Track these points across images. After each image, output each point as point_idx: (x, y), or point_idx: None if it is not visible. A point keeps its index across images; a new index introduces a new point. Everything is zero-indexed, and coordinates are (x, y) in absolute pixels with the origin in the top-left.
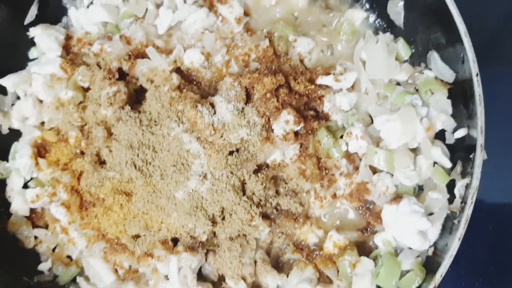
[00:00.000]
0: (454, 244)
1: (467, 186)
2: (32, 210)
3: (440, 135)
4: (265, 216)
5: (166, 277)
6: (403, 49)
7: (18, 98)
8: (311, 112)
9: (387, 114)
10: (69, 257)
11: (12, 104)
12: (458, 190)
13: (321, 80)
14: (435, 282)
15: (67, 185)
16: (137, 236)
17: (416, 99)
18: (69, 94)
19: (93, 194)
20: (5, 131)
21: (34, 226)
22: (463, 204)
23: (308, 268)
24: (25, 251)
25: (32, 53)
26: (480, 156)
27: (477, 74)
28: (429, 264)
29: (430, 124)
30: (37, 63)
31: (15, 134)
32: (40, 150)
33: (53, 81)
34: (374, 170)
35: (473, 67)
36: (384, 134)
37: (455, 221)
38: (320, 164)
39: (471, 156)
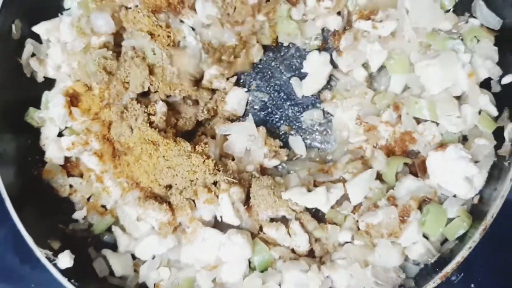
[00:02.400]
0: (505, 186)
1: None
2: (67, 160)
3: (484, 85)
4: None
5: (204, 223)
6: None
7: None
8: None
9: (427, 59)
10: (104, 206)
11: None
12: (508, 134)
13: (359, 24)
14: (486, 224)
15: (98, 134)
16: (170, 186)
17: (458, 45)
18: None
19: (123, 144)
20: (40, 79)
21: (69, 175)
22: None
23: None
24: (60, 200)
25: (67, 2)
26: None
27: None
28: (475, 213)
29: (472, 70)
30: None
31: (47, 84)
32: (73, 100)
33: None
34: (419, 121)
35: None
36: (424, 79)
37: (506, 163)
38: None
39: None
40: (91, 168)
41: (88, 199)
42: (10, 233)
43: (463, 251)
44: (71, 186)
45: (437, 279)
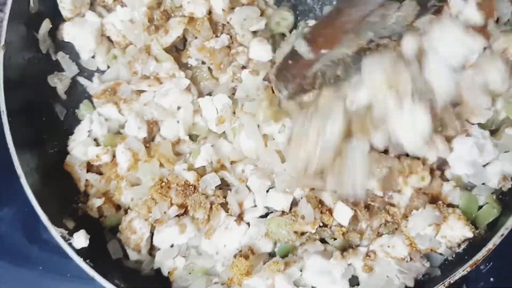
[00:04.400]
0: None
1: None
2: None
3: None
4: None
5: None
6: None
7: None
8: None
9: None
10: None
11: None
12: None
13: None
14: None
15: None
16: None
17: None
18: None
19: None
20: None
21: (88, 170)
22: None
23: None
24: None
25: None
26: None
27: None
28: (505, 200)
29: None
30: None
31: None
32: None
33: None
34: None
35: None
36: None
37: None
38: None
39: None
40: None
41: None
42: (19, 213)
43: (494, 238)
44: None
45: (467, 267)
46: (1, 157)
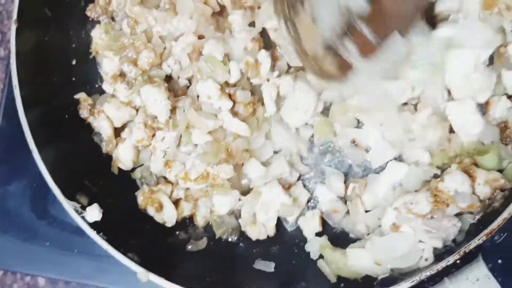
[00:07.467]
0: None
1: None
2: None
3: None
4: None
5: None
6: None
7: None
8: None
9: None
10: None
11: None
12: None
13: None
14: None
15: None
16: None
17: None
18: None
19: None
20: None
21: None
22: None
23: None
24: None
25: None
26: None
27: None
28: None
29: None
30: None
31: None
32: None
33: None
34: None
35: None
36: None
37: None
38: None
39: None
40: None
41: None
42: (28, 188)
43: (510, 207)
44: None
45: (483, 236)
46: (12, 133)
